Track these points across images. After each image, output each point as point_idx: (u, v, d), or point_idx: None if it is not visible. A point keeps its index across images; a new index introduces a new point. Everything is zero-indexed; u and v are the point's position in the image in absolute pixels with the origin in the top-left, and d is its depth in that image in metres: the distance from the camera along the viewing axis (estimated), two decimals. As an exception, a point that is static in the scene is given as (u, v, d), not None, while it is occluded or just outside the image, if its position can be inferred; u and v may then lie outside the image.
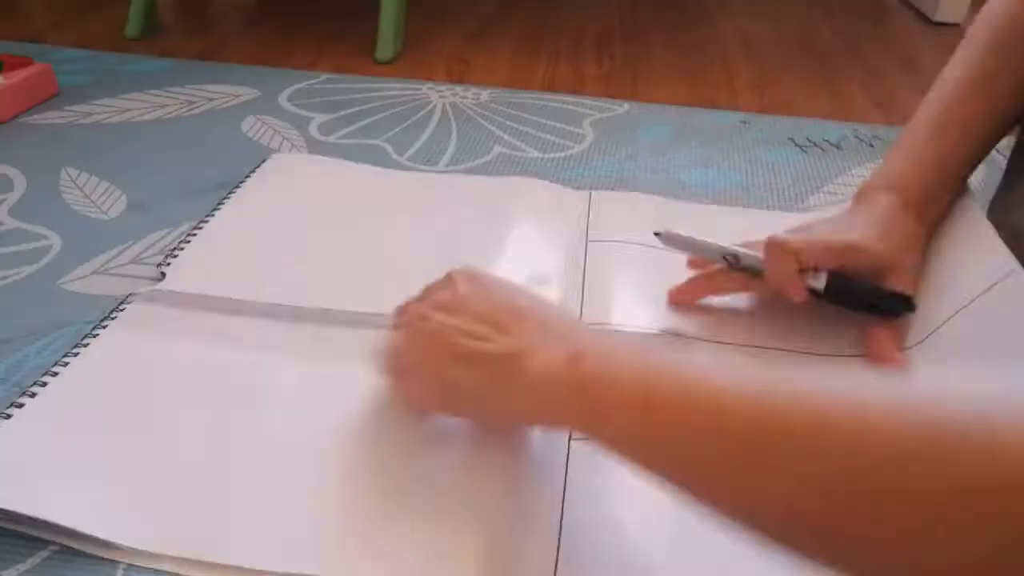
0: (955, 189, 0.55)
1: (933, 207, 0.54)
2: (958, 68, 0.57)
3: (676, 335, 0.53)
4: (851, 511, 0.25)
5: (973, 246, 0.52)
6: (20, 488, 0.39)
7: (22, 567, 0.37)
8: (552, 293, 0.56)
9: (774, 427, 0.28)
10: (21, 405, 0.45)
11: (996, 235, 0.50)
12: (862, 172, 0.77)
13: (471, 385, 0.40)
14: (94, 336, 0.51)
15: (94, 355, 0.49)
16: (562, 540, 0.39)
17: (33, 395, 0.45)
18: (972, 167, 0.56)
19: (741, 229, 0.56)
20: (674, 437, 0.31)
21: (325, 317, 0.54)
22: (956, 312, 0.49)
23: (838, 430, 0.26)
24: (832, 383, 0.28)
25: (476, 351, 0.39)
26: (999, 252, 0.49)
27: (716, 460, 0.30)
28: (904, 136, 0.56)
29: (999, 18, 0.56)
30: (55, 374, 0.47)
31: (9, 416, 0.44)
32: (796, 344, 0.53)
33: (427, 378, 0.42)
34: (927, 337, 0.50)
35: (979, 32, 0.57)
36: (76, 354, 0.49)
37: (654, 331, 0.53)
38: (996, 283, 0.47)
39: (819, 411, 0.27)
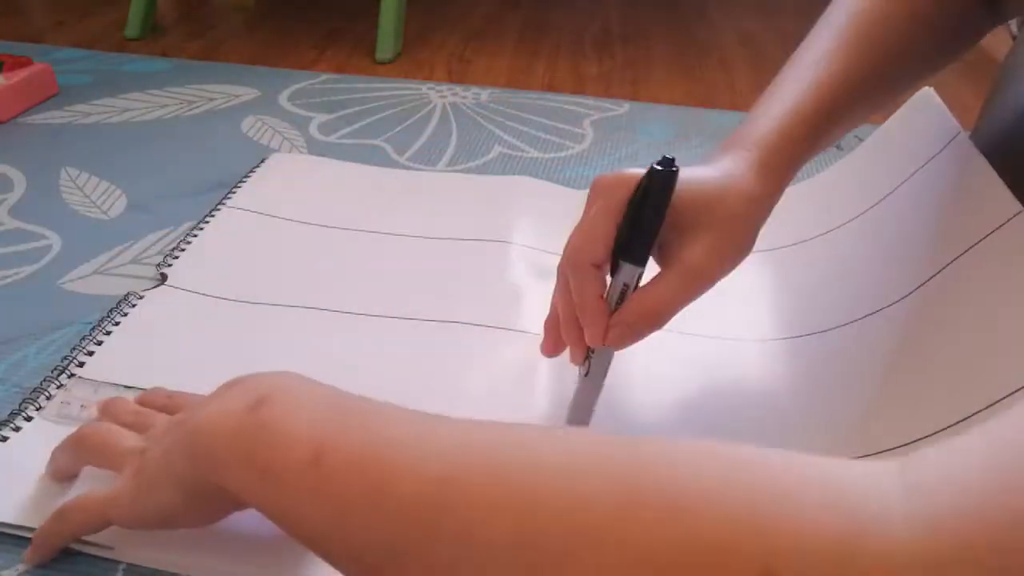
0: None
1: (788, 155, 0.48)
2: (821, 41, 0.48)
3: (678, 333, 0.53)
4: None
5: (971, 187, 0.47)
6: (21, 499, 0.40)
7: (22, 567, 0.37)
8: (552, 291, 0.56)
9: (444, 503, 0.24)
10: (30, 418, 0.44)
11: (996, 176, 0.44)
12: (862, 172, 0.77)
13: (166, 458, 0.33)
14: (98, 344, 0.50)
15: (95, 358, 0.49)
16: None
17: (39, 408, 0.45)
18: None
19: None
20: (341, 502, 0.26)
21: (324, 316, 0.54)
22: (954, 259, 0.44)
23: (510, 508, 0.23)
24: (512, 440, 0.25)
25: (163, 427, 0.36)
26: (1000, 194, 0.43)
27: (383, 532, 0.25)
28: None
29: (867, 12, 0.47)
30: (60, 385, 0.47)
31: (19, 428, 0.44)
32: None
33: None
34: (923, 284, 0.46)
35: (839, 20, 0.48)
36: (82, 364, 0.48)
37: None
38: (1000, 226, 0.42)
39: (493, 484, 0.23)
